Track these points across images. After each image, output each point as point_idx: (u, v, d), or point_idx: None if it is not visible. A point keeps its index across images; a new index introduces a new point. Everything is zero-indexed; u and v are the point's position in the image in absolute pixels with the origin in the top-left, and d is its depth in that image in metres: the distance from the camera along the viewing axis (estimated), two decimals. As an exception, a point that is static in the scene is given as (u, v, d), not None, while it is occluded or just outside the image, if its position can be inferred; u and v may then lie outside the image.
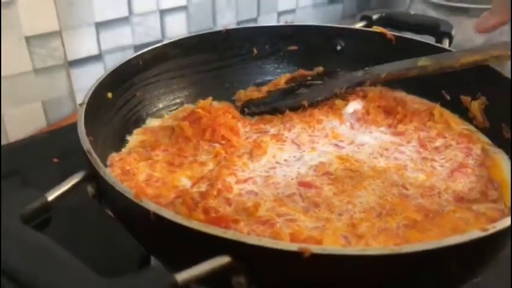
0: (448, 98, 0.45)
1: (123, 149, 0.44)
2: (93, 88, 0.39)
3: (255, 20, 0.85)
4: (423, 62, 0.42)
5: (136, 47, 0.72)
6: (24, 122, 0.66)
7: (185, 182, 0.37)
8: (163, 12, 0.73)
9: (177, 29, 0.75)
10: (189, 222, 0.22)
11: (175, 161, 0.40)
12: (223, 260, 0.22)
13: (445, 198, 0.35)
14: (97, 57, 0.69)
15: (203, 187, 0.35)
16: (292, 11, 0.90)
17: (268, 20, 0.88)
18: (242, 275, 0.22)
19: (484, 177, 0.37)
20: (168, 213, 0.23)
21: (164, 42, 0.49)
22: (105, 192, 0.27)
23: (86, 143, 0.32)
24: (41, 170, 0.60)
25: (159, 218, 0.23)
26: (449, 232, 0.30)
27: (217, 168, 0.38)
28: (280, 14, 0.88)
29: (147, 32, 0.72)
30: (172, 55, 0.49)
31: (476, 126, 0.43)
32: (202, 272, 0.21)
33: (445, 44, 0.47)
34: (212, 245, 0.22)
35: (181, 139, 0.43)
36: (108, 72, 0.42)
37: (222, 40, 0.50)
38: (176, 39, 0.50)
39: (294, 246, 0.23)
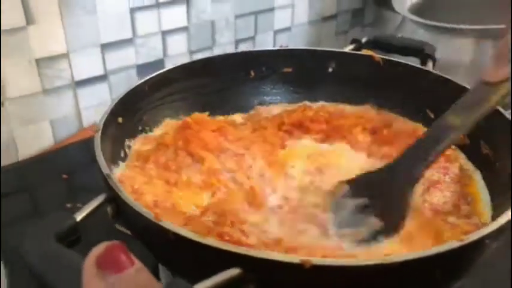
0: (432, 116, 0.48)
1: (125, 161, 0.46)
2: (106, 115, 0.41)
3: (252, 38, 0.88)
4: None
5: (139, 67, 0.75)
6: (33, 141, 0.68)
7: (192, 207, 0.39)
8: (165, 33, 0.76)
9: (178, 48, 0.78)
10: (205, 239, 0.25)
11: (170, 178, 0.41)
12: (234, 272, 0.25)
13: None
14: (102, 77, 0.72)
15: (212, 217, 0.37)
16: (288, 29, 0.93)
17: (266, 38, 0.90)
18: (252, 285, 0.25)
19: (458, 192, 0.40)
20: (186, 233, 0.26)
21: (168, 68, 0.51)
22: (125, 213, 0.30)
23: (105, 168, 0.34)
24: (51, 186, 0.62)
25: (178, 237, 0.26)
26: (432, 241, 0.34)
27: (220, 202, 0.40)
28: (276, 32, 0.91)
29: (150, 53, 0.75)
30: (176, 79, 0.52)
31: (456, 144, 0.46)
32: (217, 283, 0.24)
33: (429, 66, 0.50)
34: (225, 259, 0.25)
35: (162, 147, 0.45)
36: (118, 99, 0.44)
37: (222, 64, 0.53)
38: (179, 64, 0.52)
39: (296, 259, 0.26)
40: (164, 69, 0.51)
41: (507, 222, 0.30)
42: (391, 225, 0.36)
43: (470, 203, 0.39)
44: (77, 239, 0.27)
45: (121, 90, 0.70)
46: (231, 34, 0.85)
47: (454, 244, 0.28)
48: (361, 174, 0.40)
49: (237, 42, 0.87)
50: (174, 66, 0.52)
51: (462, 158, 0.45)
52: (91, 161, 0.63)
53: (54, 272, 0.24)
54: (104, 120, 0.40)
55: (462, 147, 0.45)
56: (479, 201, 0.41)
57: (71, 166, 0.65)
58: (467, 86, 0.45)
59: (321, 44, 1.01)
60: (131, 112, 0.46)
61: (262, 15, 0.88)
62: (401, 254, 0.32)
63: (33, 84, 0.65)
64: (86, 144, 0.68)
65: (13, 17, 0.60)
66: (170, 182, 0.41)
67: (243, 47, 0.88)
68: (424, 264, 0.28)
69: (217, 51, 0.84)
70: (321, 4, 0.96)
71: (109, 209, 0.31)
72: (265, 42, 0.90)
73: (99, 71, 0.71)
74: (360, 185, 0.39)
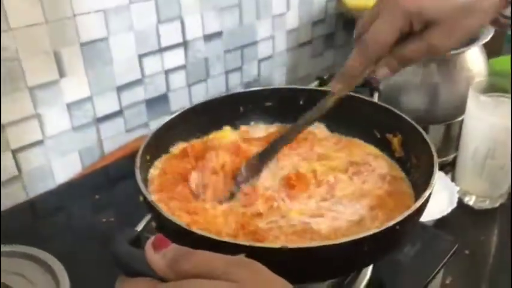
0: (378, 136, 0.62)
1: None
2: (140, 155, 0.52)
3: (240, 68, 1.02)
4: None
5: (147, 101, 0.89)
6: (65, 168, 0.82)
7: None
8: (167, 72, 0.89)
9: (178, 83, 0.92)
10: (220, 237, 0.40)
11: (189, 209, 0.50)
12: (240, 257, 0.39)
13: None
14: (118, 113, 0.85)
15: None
16: (270, 56, 1.07)
17: (251, 66, 1.04)
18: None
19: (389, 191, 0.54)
20: (209, 235, 0.40)
21: (177, 113, 0.61)
22: (165, 226, 0.44)
23: (148, 195, 0.45)
24: (87, 204, 0.76)
25: (202, 237, 0.40)
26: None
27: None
28: (260, 60, 1.05)
29: (155, 89, 0.89)
30: (184, 120, 0.62)
31: (396, 157, 0.60)
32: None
33: (375, 96, 0.64)
34: (234, 250, 0.37)
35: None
36: (145, 143, 0.55)
37: (217, 105, 0.65)
38: (184, 109, 0.63)
39: (278, 245, 0.41)
40: (173, 115, 0.61)
41: (410, 215, 0.44)
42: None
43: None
44: (138, 241, 0.41)
45: (133, 122, 0.85)
46: (222, 66, 0.99)
47: (374, 230, 0.43)
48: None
49: (227, 72, 1.00)
50: (179, 112, 0.62)
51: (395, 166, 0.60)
52: (116, 183, 0.79)
53: (130, 260, 0.38)
54: (139, 157, 0.53)
55: (399, 159, 0.61)
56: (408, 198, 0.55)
57: (98, 187, 0.79)
58: (401, 114, 0.60)
59: (299, 66, 1.16)
60: (155, 149, 0.58)
61: (248, 48, 1.02)
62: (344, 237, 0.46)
63: (65, 123, 0.78)
64: (108, 169, 0.84)
65: (50, 73, 0.73)
66: (190, 212, 0.49)
67: (232, 77, 1.02)
68: (357, 243, 0.42)
69: (210, 82, 0.98)
70: (297, 33, 1.11)
71: (153, 223, 0.45)
72: (251, 70, 1.04)
73: (116, 108, 0.85)
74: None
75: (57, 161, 0.80)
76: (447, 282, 0.62)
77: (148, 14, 0.83)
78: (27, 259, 0.61)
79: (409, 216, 0.44)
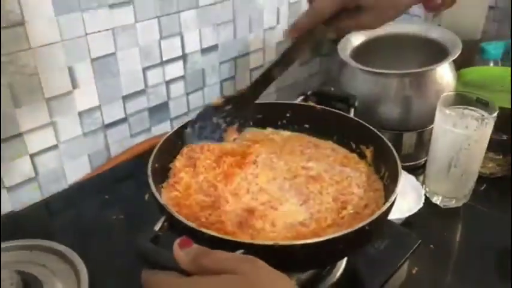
0: (354, 146, 0.70)
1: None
2: (150, 164, 0.59)
3: (233, 77, 1.10)
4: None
5: (150, 109, 0.97)
6: (76, 170, 0.90)
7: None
8: (168, 82, 0.97)
9: (178, 92, 1.00)
10: (224, 236, 0.48)
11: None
12: (240, 252, 0.44)
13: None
14: (123, 120, 0.93)
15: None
16: (261, 66, 1.14)
17: (243, 76, 1.12)
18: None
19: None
20: (213, 233, 0.48)
21: (181, 125, 0.68)
22: (177, 227, 0.51)
23: (162, 200, 0.52)
24: (97, 203, 0.85)
25: (208, 235, 0.48)
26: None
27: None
28: (251, 70, 1.13)
29: (157, 97, 0.96)
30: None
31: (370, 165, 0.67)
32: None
33: (351, 112, 0.71)
34: (234, 246, 0.45)
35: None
36: (155, 151, 0.61)
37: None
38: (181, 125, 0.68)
39: (271, 242, 0.49)
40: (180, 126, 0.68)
41: (378, 217, 0.53)
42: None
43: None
44: (156, 239, 0.50)
45: (137, 128, 0.93)
46: (217, 76, 1.07)
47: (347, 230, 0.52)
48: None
49: (221, 82, 1.09)
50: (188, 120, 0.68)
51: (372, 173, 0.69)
52: (122, 183, 0.87)
53: (156, 256, 0.45)
54: (150, 167, 0.61)
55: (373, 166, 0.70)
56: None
57: (107, 187, 0.87)
58: (372, 127, 0.68)
59: (288, 74, 1.22)
60: (163, 160, 0.64)
61: (240, 59, 1.10)
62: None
63: (76, 130, 0.87)
64: (115, 171, 0.92)
65: (64, 85, 0.82)
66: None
67: (226, 85, 1.10)
68: (333, 241, 0.52)
69: (206, 90, 1.06)
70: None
71: (166, 224, 0.53)
72: (243, 79, 1.13)
73: (121, 115, 0.92)
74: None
75: (69, 163, 0.89)
76: (413, 272, 0.71)
77: (151, 31, 0.91)
78: (47, 252, 0.69)
79: (377, 218, 0.53)
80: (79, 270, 0.65)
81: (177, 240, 0.43)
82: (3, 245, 0.69)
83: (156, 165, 0.62)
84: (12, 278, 0.61)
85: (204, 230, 0.49)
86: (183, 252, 0.42)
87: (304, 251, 0.49)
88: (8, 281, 0.60)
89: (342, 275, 0.62)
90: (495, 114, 0.78)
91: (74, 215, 0.83)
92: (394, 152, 0.62)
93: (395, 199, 0.57)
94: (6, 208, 0.82)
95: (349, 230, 0.51)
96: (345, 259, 0.64)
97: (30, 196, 0.84)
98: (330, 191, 0.63)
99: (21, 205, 0.83)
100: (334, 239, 0.50)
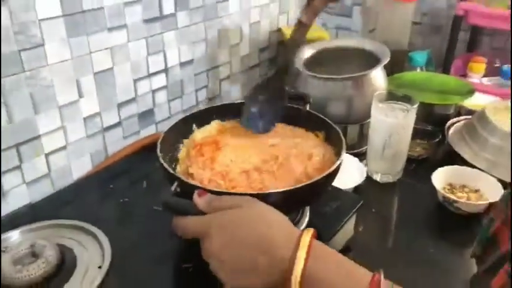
0: (311, 132, 0.92)
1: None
2: (159, 157, 0.74)
3: (206, 86, 1.28)
4: None
5: (139, 114, 1.12)
6: (80, 167, 1.04)
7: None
8: (153, 92, 1.13)
9: (161, 99, 1.17)
10: (220, 189, 0.69)
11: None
12: None
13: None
14: (118, 123, 1.07)
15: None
16: (228, 77, 1.33)
17: (214, 85, 1.29)
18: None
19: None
20: (216, 189, 0.67)
21: (176, 121, 0.83)
22: (186, 190, 0.70)
23: (171, 171, 0.70)
24: (102, 192, 0.99)
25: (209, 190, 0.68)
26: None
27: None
28: (221, 80, 1.31)
29: (145, 105, 1.13)
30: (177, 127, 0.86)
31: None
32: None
33: (307, 106, 0.89)
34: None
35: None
36: (159, 144, 0.75)
37: (205, 113, 0.92)
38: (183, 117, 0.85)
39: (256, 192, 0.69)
40: (178, 120, 0.85)
41: (324, 176, 0.74)
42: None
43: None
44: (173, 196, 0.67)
45: (129, 131, 1.11)
46: (193, 85, 1.24)
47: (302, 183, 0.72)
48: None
49: (196, 90, 1.26)
50: (183, 117, 0.85)
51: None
52: (120, 176, 1.03)
53: (179, 205, 0.63)
54: (160, 158, 0.78)
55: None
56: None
57: (111, 179, 1.01)
58: (323, 116, 0.89)
59: (250, 85, 1.45)
60: (166, 149, 0.80)
61: (212, 71, 1.28)
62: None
63: (81, 133, 1.01)
64: (114, 167, 1.07)
65: (73, 95, 0.98)
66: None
67: (200, 93, 1.28)
68: (299, 191, 0.72)
69: (185, 98, 1.24)
70: (248, 59, 1.41)
71: (176, 188, 0.69)
72: (214, 88, 1.31)
73: (116, 120, 1.06)
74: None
75: (75, 162, 1.02)
76: (360, 229, 0.91)
77: (140, 49, 1.08)
78: (78, 230, 0.82)
79: (324, 177, 0.72)
80: (104, 248, 0.76)
81: (196, 191, 0.62)
82: (41, 223, 0.83)
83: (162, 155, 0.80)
84: (53, 248, 0.73)
85: (209, 188, 0.68)
86: (200, 199, 0.61)
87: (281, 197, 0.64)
88: (52, 251, 0.74)
89: (305, 227, 0.82)
90: (415, 106, 1.00)
91: (87, 202, 0.94)
92: (340, 132, 0.83)
93: (339, 165, 0.75)
94: (25, 201, 0.96)
95: (303, 184, 0.69)
96: (308, 213, 0.84)
97: (44, 190, 0.98)
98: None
99: (38, 197, 0.97)
100: (293, 190, 0.65)
